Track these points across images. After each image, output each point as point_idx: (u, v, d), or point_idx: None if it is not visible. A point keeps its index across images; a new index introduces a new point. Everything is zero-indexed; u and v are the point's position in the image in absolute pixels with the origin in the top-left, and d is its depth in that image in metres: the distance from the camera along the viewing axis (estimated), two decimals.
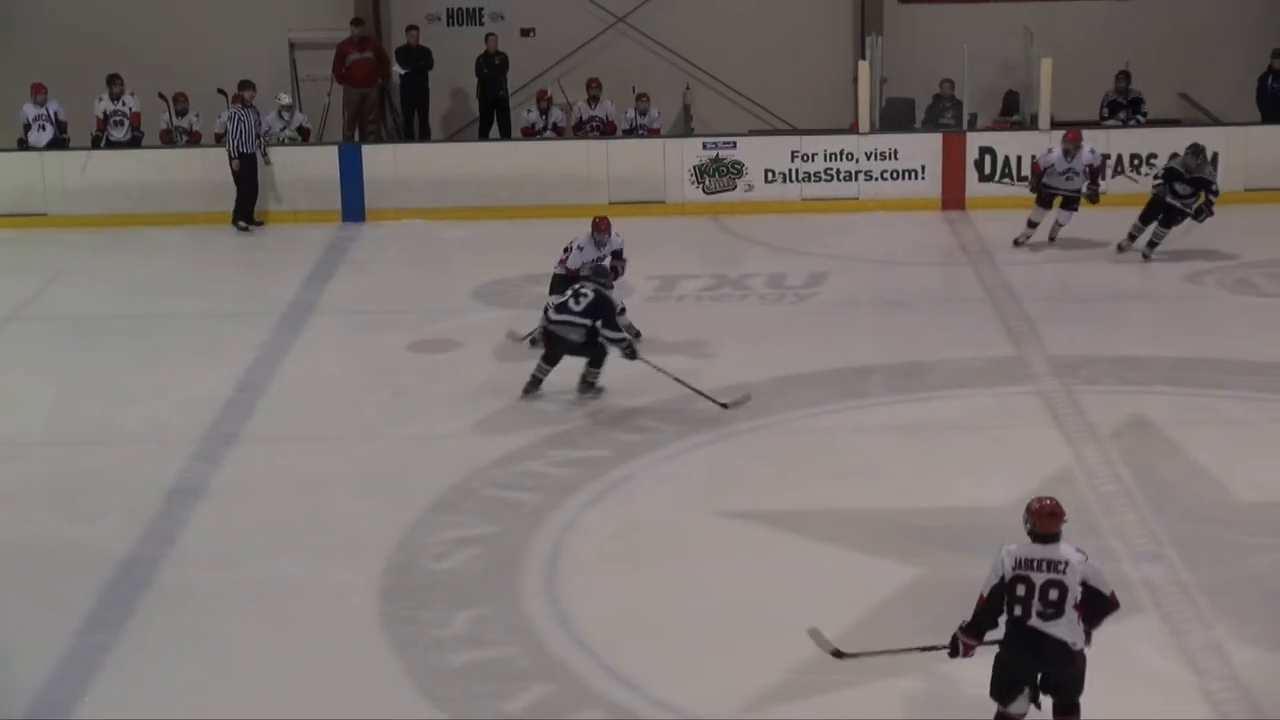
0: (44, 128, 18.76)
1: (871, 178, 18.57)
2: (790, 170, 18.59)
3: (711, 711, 8.24)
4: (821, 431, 12.03)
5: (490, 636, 9.12)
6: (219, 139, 18.57)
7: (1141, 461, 10.98)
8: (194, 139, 19.20)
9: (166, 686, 8.66)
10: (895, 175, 18.54)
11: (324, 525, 10.67)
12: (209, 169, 18.30)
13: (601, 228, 13.06)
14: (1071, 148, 16.00)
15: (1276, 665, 8.37)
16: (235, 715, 8.47)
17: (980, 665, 7.56)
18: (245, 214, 18.19)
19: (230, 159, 17.80)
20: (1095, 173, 16.33)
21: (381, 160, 18.74)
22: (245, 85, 18.32)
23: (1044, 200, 16.42)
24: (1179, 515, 10.11)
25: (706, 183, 18.60)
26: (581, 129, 19.53)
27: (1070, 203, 16.36)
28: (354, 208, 18.96)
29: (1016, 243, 16.50)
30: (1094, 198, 15.95)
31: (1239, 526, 9.97)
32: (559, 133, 19.63)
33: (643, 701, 8.29)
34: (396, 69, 20.34)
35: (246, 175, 17.85)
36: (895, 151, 18.54)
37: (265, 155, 18.19)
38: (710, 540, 10.24)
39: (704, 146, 18.73)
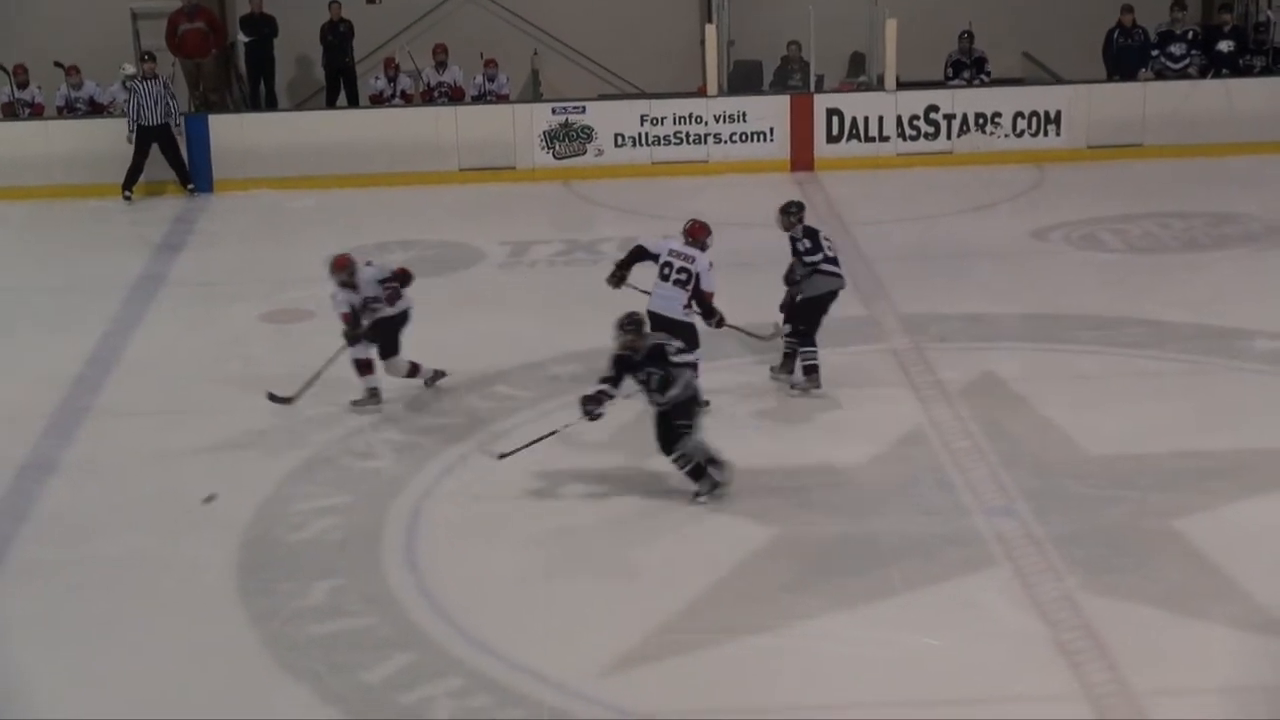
0: None
1: (721, 140, 18.82)
2: (640, 134, 18.78)
3: (574, 674, 8.28)
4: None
5: (350, 606, 9.09)
6: (103, 109, 18.83)
7: (992, 418, 11.23)
8: (37, 111, 18.97)
9: (22, 666, 8.61)
10: (744, 137, 18.80)
11: (178, 499, 10.55)
12: (52, 142, 18.24)
13: (697, 233, 11.29)
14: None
15: (1127, 615, 8.59)
16: (93, 694, 8.39)
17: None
18: (130, 184, 18.33)
19: (129, 130, 17.89)
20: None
21: (228, 130, 18.60)
22: (148, 57, 18.51)
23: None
24: (1029, 470, 10.34)
25: (556, 148, 18.74)
26: (429, 95, 19.50)
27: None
28: (202, 178, 18.81)
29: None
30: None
31: (1088, 479, 10.21)
32: (407, 100, 19.60)
33: (504, 667, 8.32)
34: (241, 37, 20.18)
35: (141, 147, 17.96)
36: (744, 114, 18.79)
37: (179, 124, 18.29)
38: (569, 504, 10.33)
39: (553, 111, 18.85)
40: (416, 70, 19.67)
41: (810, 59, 19.64)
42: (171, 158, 18.15)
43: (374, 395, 11.58)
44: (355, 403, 11.65)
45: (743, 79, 20.36)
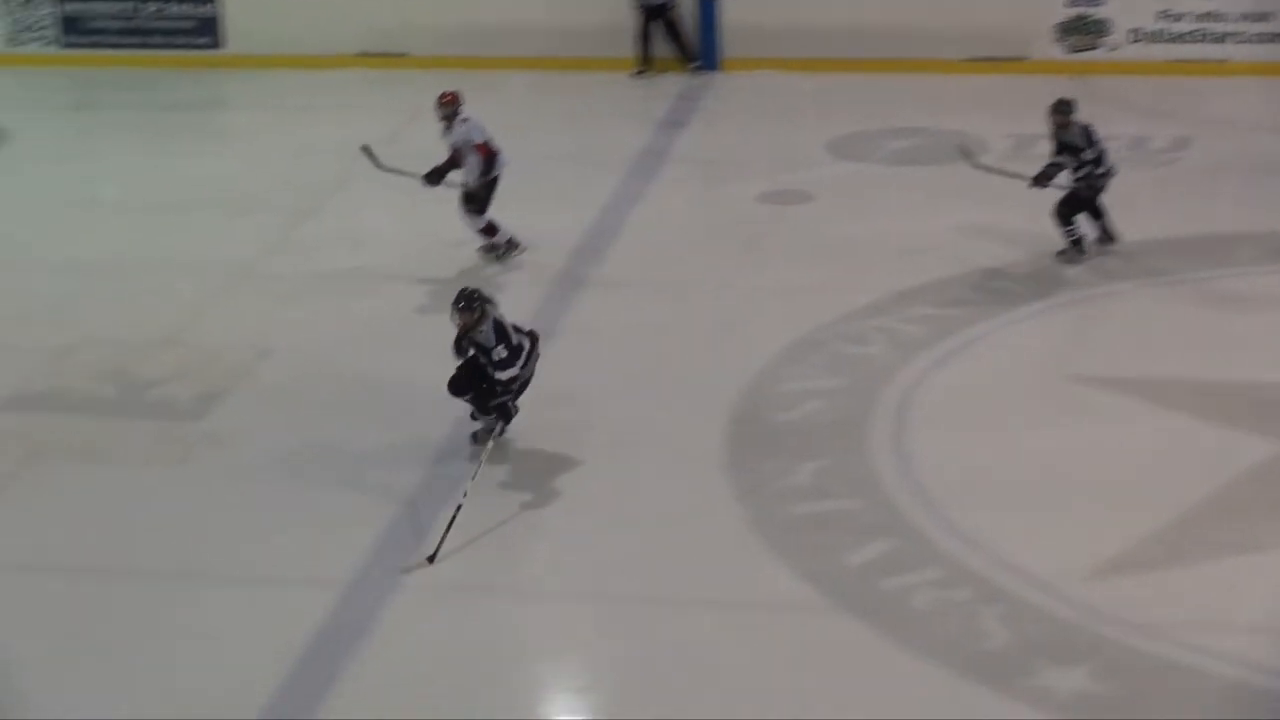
0: None
1: (1243, 40, 17.73)
2: (1157, 30, 17.99)
3: (1058, 575, 8.19)
4: (1180, 300, 11.82)
5: (834, 489, 9.19)
6: None
7: None
8: None
9: (510, 522, 9.14)
10: (1270, 38, 17.67)
11: (671, 372, 10.85)
12: (552, 13, 19.00)
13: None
14: None
15: None
16: (585, 553, 8.88)
17: None
18: (689, 55, 18.87)
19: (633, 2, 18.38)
20: None
21: (738, 9, 18.73)
22: None
23: None
24: None
25: (1070, 40, 18.08)
26: None
27: None
28: (709, 56, 19.06)
29: None
30: None
31: None
32: None
33: (987, 562, 8.30)
34: None
35: (644, 23, 18.61)
36: (1268, 14, 17.69)
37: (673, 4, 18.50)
38: (1061, 404, 10.17)
39: (1069, 3, 18.24)
40: None
41: None
42: (672, 34, 18.51)
43: (510, 245, 12.57)
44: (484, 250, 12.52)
45: None
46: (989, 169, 12.61)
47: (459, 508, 8.73)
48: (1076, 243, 12.01)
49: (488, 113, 17.73)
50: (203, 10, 20.07)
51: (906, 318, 11.75)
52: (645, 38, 18.94)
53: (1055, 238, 12.23)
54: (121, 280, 13.21)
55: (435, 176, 12.39)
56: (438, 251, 13.42)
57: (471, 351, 9.27)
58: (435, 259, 13.21)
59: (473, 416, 9.54)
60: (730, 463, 9.63)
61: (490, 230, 12.64)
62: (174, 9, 20.25)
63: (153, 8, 20.22)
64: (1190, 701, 7.43)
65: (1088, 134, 11.92)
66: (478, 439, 9.46)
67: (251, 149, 16.82)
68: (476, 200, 12.42)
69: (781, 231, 13.59)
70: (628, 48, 19.07)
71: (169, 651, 8.04)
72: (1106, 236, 12.20)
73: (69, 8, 20.17)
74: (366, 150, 13.02)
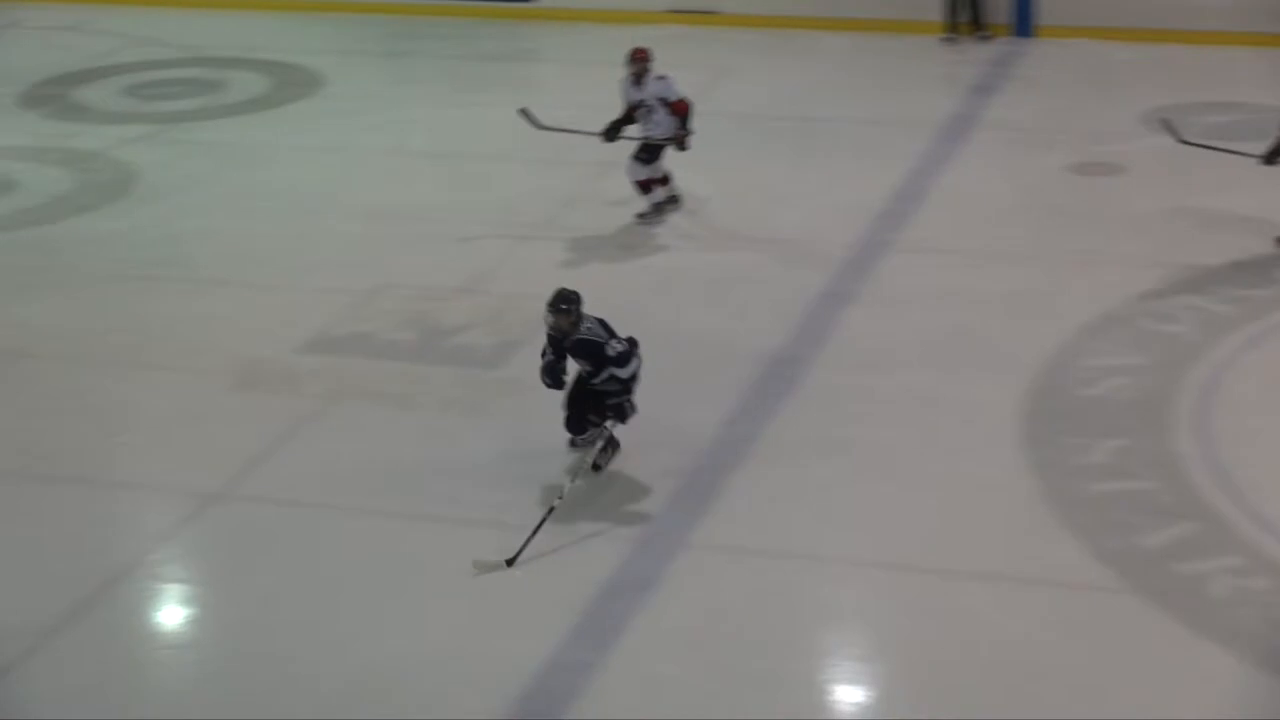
0: None
1: None
2: None
3: None
4: None
5: (1134, 468, 8.81)
6: None
7: None
8: None
9: (801, 484, 8.86)
10: None
11: (971, 340, 10.60)
12: None
13: None
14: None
15: None
16: (876, 519, 8.58)
17: None
18: (979, 22, 18.46)
19: None
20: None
21: None
22: None
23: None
24: None
25: None
26: None
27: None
28: (1024, 23, 18.65)
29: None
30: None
31: None
32: None
33: None
34: None
35: None
36: None
37: None
38: None
39: None
40: None
41: None
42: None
43: (669, 202, 12.46)
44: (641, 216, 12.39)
45: None
46: (1192, 142, 12.26)
47: (550, 510, 8.54)
48: None
49: (800, 73, 17.60)
50: None
51: (1217, 297, 11.22)
52: (953, 3, 18.59)
53: None
54: (425, 227, 13.30)
55: (612, 132, 12.47)
56: (739, 207, 13.45)
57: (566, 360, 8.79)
58: (733, 216, 13.27)
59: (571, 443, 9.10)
60: (1028, 436, 9.31)
61: (655, 184, 12.66)
62: None
63: None
64: None
65: None
66: (577, 445, 9.00)
67: (558, 102, 16.70)
68: (652, 152, 12.46)
69: (1090, 203, 13.19)
70: (938, 12, 18.87)
71: (462, 594, 8.12)
72: None
73: None
74: (525, 113, 13.05)
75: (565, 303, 8.55)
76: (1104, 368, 10.02)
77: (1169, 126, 12.47)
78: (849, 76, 17.58)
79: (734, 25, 19.13)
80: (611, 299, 11.20)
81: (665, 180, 12.67)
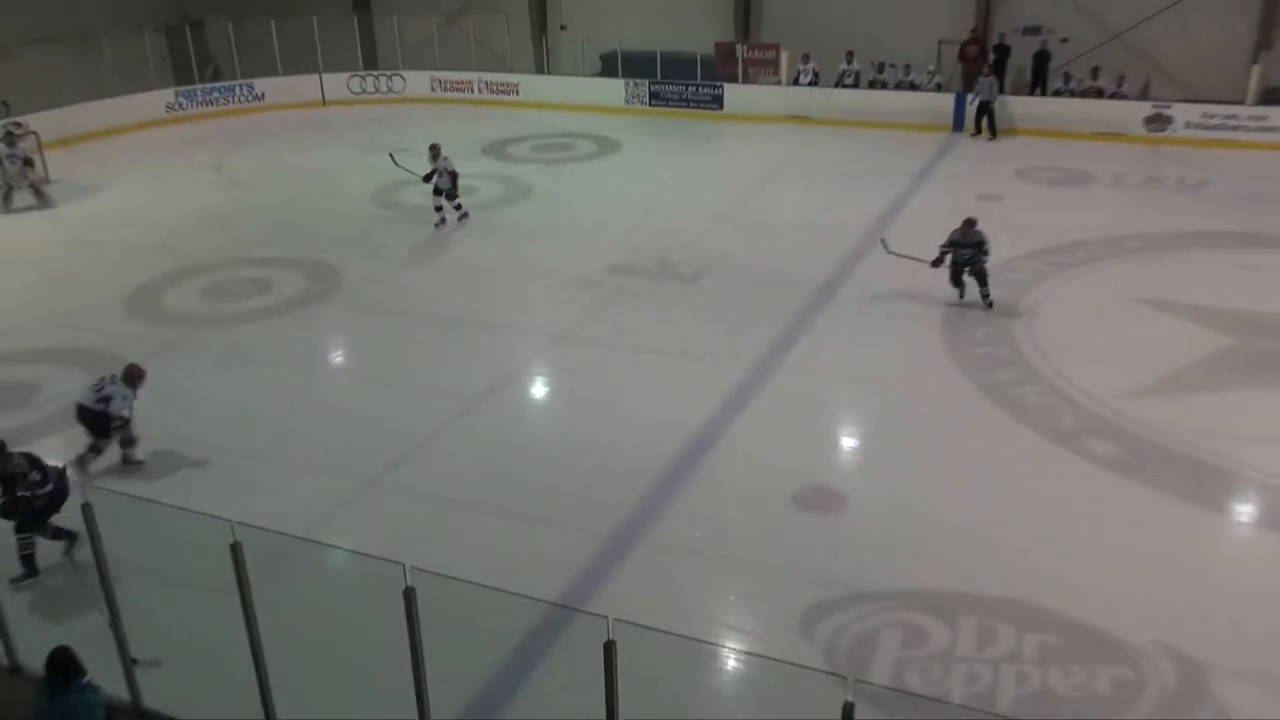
0: None
1: None
2: None
3: (1106, 394, 8.24)
4: None
5: (994, 343, 9.32)
6: None
7: None
8: None
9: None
10: None
11: (914, 277, 10.55)
12: None
13: None
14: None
15: None
16: (843, 357, 9.20)
17: None
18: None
19: None
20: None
21: None
22: None
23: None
24: None
25: None
26: None
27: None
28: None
29: None
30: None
31: None
32: None
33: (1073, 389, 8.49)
34: None
35: None
36: None
37: None
38: None
39: None
40: None
41: None
42: None
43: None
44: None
45: None
46: (895, 252, 10.79)
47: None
48: None
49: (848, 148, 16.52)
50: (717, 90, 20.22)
51: (1040, 262, 11.11)
52: (980, 115, 17.57)
53: None
54: (661, 218, 13.77)
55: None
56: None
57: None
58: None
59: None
60: (943, 327, 9.66)
61: None
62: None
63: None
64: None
65: None
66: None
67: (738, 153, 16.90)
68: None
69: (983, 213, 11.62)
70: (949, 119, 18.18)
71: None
72: None
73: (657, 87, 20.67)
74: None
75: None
76: (950, 295, 10.28)
77: (883, 242, 11.27)
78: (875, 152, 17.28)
79: (820, 124, 19.01)
80: (743, 257, 11.86)
81: None
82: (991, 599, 6.18)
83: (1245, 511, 7.24)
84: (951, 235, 10.51)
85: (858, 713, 3.46)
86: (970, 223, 10.53)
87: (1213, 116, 17.31)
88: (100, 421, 7.76)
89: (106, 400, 7.73)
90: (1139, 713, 5.39)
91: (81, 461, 7.81)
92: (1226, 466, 7.65)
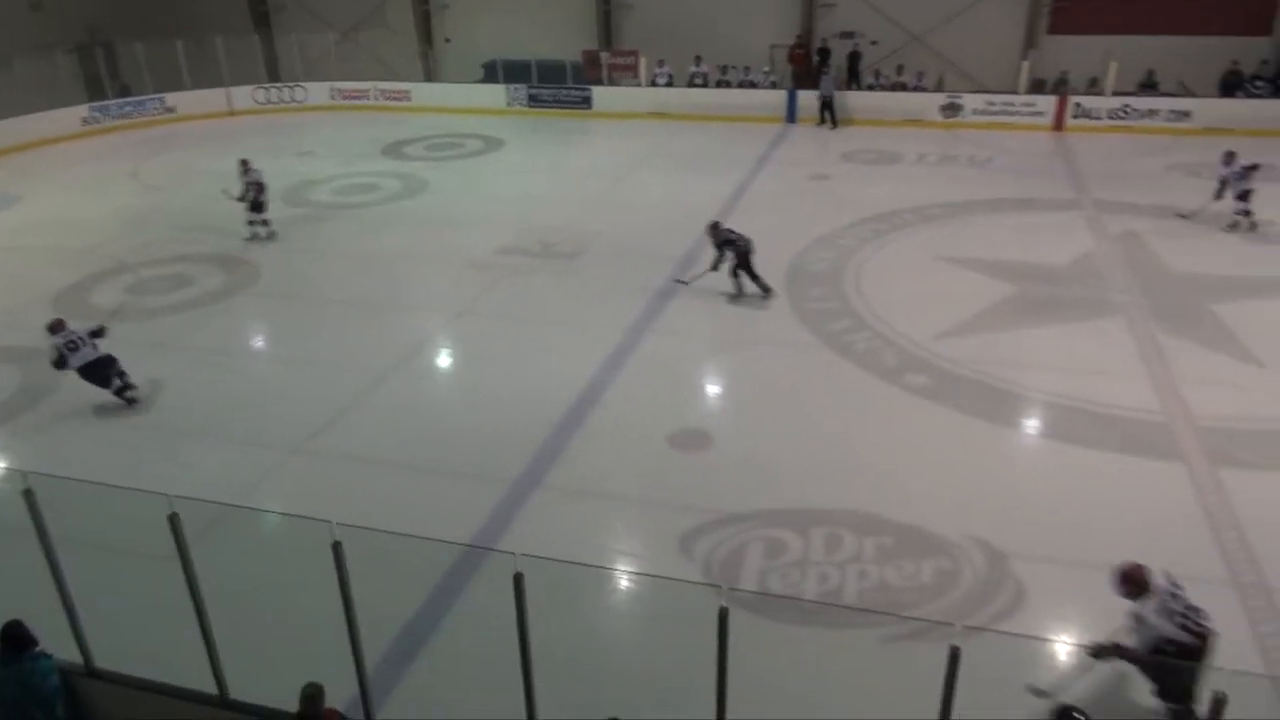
0: None
1: None
2: None
3: (920, 335, 8.58)
4: None
5: (827, 299, 9.49)
6: None
7: None
8: None
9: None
10: None
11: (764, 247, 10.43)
12: None
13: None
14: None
15: None
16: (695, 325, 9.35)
17: None
18: None
19: None
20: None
21: None
22: None
23: None
24: None
25: None
26: None
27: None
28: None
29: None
30: None
31: None
32: None
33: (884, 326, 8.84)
34: None
35: None
36: None
37: None
38: None
39: None
40: None
41: None
42: None
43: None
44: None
45: None
46: (682, 280, 9.96)
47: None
48: None
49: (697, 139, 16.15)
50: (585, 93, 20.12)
51: (865, 230, 11.29)
52: (822, 108, 17.89)
53: None
54: (542, 205, 13.45)
55: None
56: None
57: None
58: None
59: None
60: (785, 289, 9.80)
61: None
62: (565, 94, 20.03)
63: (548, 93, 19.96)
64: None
65: None
66: None
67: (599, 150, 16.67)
68: None
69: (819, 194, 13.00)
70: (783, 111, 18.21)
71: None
72: None
73: (534, 91, 20.46)
74: None
75: None
76: (790, 259, 10.55)
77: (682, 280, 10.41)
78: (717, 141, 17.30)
79: (676, 119, 18.88)
80: (614, 234, 11.81)
81: None
82: (835, 511, 6.42)
83: (1033, 425, 7.58)
84: (728, 233, 9.98)
85: (731, 616, 3.54)
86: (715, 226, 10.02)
87: (994, 104, 17.79)
88: (108, 363, 8.03)
89: (94, 346, 8.02)
90: (956, 595, 5.65)
91: (124, 378, 8.10)
92: (1017, 391, 7.98)
